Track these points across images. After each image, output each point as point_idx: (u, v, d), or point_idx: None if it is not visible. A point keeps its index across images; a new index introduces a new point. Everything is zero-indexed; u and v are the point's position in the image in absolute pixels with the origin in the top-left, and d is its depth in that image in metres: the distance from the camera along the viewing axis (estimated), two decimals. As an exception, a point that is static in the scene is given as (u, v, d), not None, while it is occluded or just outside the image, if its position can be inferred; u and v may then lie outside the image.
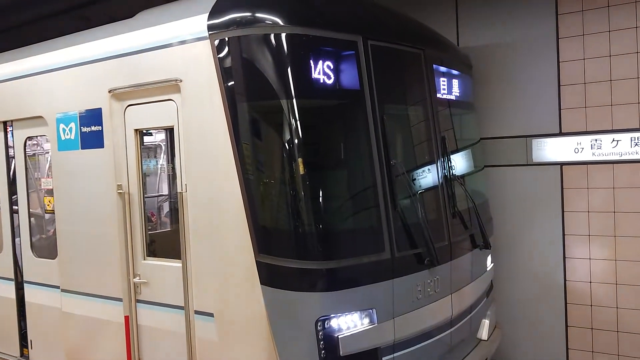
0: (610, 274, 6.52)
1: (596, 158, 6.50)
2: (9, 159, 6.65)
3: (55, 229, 6.09)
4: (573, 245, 6.73)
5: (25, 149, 6.51)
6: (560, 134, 6.70)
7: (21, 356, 6.67)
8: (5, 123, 6.59)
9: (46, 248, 6.49)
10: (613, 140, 6.38)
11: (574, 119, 6.61)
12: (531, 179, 6.92)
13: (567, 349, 6.83)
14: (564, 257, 6.79)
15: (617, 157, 6.37)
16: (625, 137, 6.31)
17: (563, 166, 6.72)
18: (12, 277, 6.64)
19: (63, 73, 5.71)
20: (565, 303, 6.81)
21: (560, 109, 6.69)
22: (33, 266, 6.42)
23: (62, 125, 5.74)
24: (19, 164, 6.56)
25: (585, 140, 6.54)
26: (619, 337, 6.52)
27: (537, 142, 6.85)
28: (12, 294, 6.63)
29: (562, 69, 6.66)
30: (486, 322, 5.98)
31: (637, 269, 6.37)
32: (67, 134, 5.70)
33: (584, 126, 6.55)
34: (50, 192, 6.21)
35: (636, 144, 6.25)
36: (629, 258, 6.39)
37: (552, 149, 6.75)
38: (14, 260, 6.63)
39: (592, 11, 6.46)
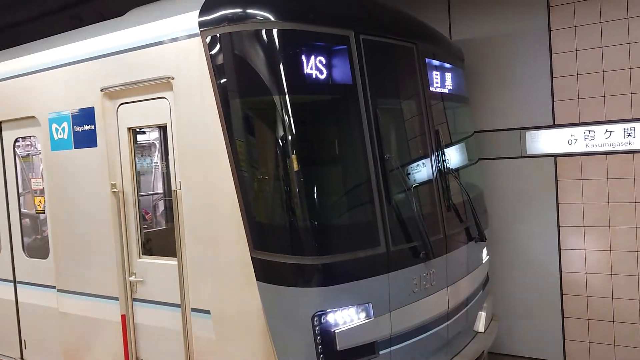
0: (605, 265, 6.55)
1: (590, 149, 6.52)
2: (4, 159, 6.63)
3: (47, 229, 6.08)
4: (568, 237, 6.75)
5: (15, 149, 6.48)
6: (554, 125, 6.72)
7: (21, 358, 6.66)
8: (0, 123, 6.56)
9: (38, 248, 6.48)
10: (606, 131, 6.40)
11: (567, 111, 6.63)
12: (525, 171, 6.94)
13: (564, 339, 6.86)
14: (559, 249, 6.81)
15: (610, 148, 6.39)
16: (618, 128, 6.33)
17: (557, 158, 6.74)
18: (11, 278, 6.63)
19: (55, 72, 5.69)
20: (561, 294, 6.84)
21: (553, 101, 6.71)
22: (25, 266, 6.41)
23: (54, 125, 5.73)
24: (8, 165, 6.54)
25: (579, 131, 6.56)
26: (615, 327, 6.55)
27: (530, 135, 6.86)
28: (11, 296, 6.61)
29: (555, 61, 6.67)
30: (483, 315, 5.99)
31: (632, 259, 6.40)
32: (60, 134, 5.68)
33: (577, 118, 6.57)
34: (41, 193, 6.20)
35: (629, 135, 6.27)
36: (624, 248, 6.42)
37: (545, 141, 6.77)
38: (12, 261, 6.62)
39: (583, 3, 6.47)
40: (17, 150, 6.60)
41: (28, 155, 6.83)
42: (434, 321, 5.03)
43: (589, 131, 6.49)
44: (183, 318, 4.86)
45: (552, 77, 6.69)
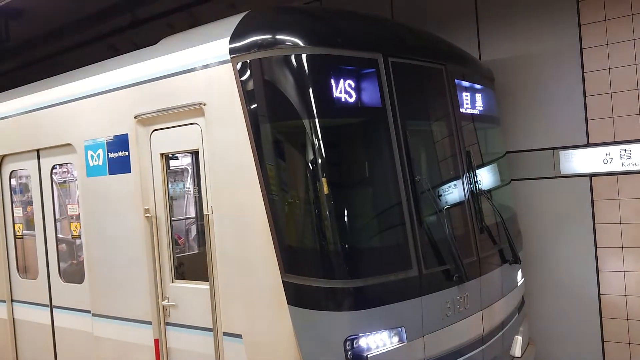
0: (646, 287, 6.36)
1: (626, 168, 6.37)
2: (42, 186, 6.80)
3: (82, 254, 6.18)
4: (606, 258, 6.58)
5: (52, 176, 6.64)
6: (588, 144, 6.60)
7: None
8: (38, 151, 6.75)
9: (74, 273, 6.59)
10: (643, 149, 6.26)
11: (601, 129, 6.51)
12: (560, 192, 6.81)
13: (605, 364, 6.66)
14: (597, 270, 6.64)
15: (647, 167, 6.25)
16: (655, 146, 6.20)
17: (592, 177, 6.60)
18: (48, 302, 6.74)
19: (90, 100, 5.84)
20: (601, 317, 6.64)
21: (587, 120, 6.60)
22: (61, 291, 6.52)
23: (90, 152, 5.86)
24: (45, 191, 6.69)
25: (614, 150, 6.43)
26: (658, 351, 6.33)
27: (564, 154, 6.75)
28: (48, 320, 6.72)
29: (587, 79, 6.58)
30: (519, 339, 5.86)
31: (673, 280, 6.20)
32: (95, 160, 5.80)
33: (613, 136, 6.44)
34: (77, 218, 6.32)
35: (667, 153, 6.13)
36: (665, 270, 6.23)
37: (580, 160, 6.65)
38: (49, 286, 6.74)
39: (615, 20, 6.39)
40: (54, 177, 6.76)
41: (65, 181, 6.99)
42: (469, 345, 4.94)
43: (625, 150, 6.36)
44: (215, 342, 4.86)
45: (585, 96, 6.60)
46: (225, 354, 4.82)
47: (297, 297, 4.26)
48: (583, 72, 6.60)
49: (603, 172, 6.52)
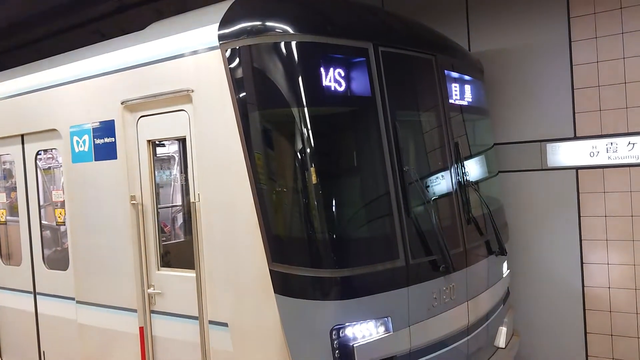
0: (629, 279, 6.42)
1: (612, 162, 6.42)
2: (26, 172, 6.71)
3: (67, 241, 6.13)
4: (590, 251, 6.64)
5: (36, 161, 6.56)
6: (575, 137, 6.63)
7: None
8: (23, 136, 6.66)
9: (58, 260, 6.53)
10: (629, 143, 6.30)
11: (588, 123, 6.54)
12: (546, 184, 6.85)
13: (587, 356, 6.72)
14: (582, 263, 6.70)
15: (633, 160, 6.29)
16: (641, 140, 6.24)
17: (578, 170, 6.64)
18: (31, 289, 6.68)
19: (76, 86, 5.76)
20: (584, 309, 6.71)
21: (574, 113, 6.63)
22: (45, 278, 6.46)
23: (75, 138, 5.79)
24: (30, 177, 6.61)
25: (601, 143, 6.47)
26: (640, 343, 6.41)
27: (551, 147, 6.78)
28: (31, 307, 6.66)
29: (576, 72, 6.60)
30: (503, 330, 5.90)
31: (656, 273, 6.27)
32: (81, 146, 5.74)
33: (599, 130, 6.48)
34: (61, 205, 6.26)
35: (653, 147, 6.18)
36: (648, 263, 6.30)
37: (567, 153, 6.68)
38: (32, 272, 6.68)
39: (604, 13, 6.40)
40: (39, 163, 6.68)
41: (49, 168, 6.92)
42: (454, 336, 4.96)
43: (611, 143, 6.40)
44: (201, 330, 4.84)
45: (572, 89, 6.62)
46: (210, 342, 4.80)
47: (284, 286, 4.25)
48: (572, 65, 6.62)
49: (589, 165, 6.57)
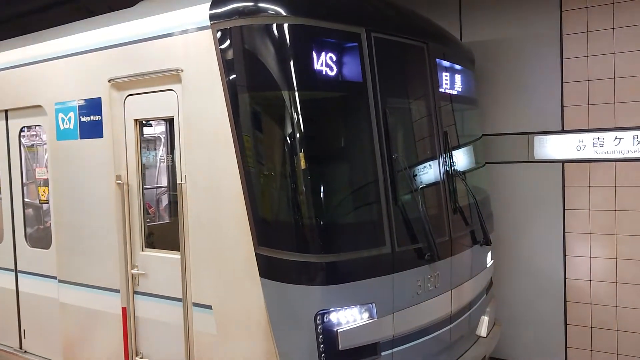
0: (611, 273, 6.50)
1: (598, 156, 6.47)
2: (9, 148, 6.61)
3: (50, 219, 6.06)
4: (573, 243, 6.70)
5: (20, 138, 6.46)
6: (563, 131, 6.67)
7: (20, 348, 6.63)
8: (6, 112, 6.55)
9: (40, 238, 6.45)
10: (615, 138, 6.35)
11: (576, 117, 6.58)
12: (532, 176, 6.89)
13: (566, 347, 6.81)
14: (565, 255, 6.76)
15: (619, 155, 6.34)
16: (627, 135, 6.28)
17: (565, 164, 6.69)
18: (12, 267, 6.60)
19: (63, 62, 5.66)
20: (565, 301, 6.79)
21: (563, 106, 6.66)
22: (27, 256, 6.39)
23: (61, 115, 5.70)
24: (13, 153, 6.52)
25: (588, 137, 6.51)
26: (618, 336, 6.50)
27: (539, 139, 6.82)
28: (12, 285, 6.59)
29: (566, 66, 6.63)
30: (485, 319, 5.95)
31: (637, 267, 6.34)
32: (66, 124, 5.65)
33: (587, 124, 6.52)
34: (45, 182, 6.18)
35: (639, 142, 6.22)
36: (630, 256, 6.37)
37: (554, 146, 6.72)
38: (14, 250, 6.60)
39: (596, 8, 6.42)
40: (22, 140, 6.58)
41: (33, 145, 6.82)
42: (437, 324, 4.99)
43: (598, 138, 6.45)
44: (184, 312, 4.82)
45: (562, 82, 6.65)
46: (194, 324, 4.79)
47: (269, 270, 4.24)
48: (562, 59, 6.64)
49: (575, 159, 6.62)
